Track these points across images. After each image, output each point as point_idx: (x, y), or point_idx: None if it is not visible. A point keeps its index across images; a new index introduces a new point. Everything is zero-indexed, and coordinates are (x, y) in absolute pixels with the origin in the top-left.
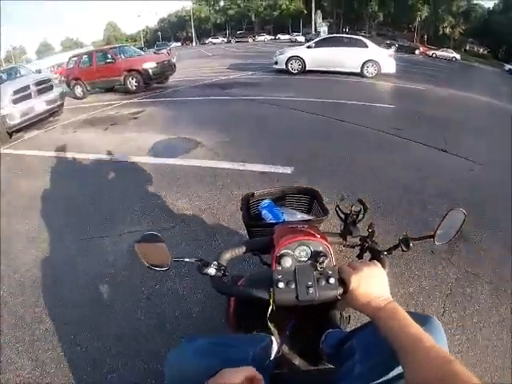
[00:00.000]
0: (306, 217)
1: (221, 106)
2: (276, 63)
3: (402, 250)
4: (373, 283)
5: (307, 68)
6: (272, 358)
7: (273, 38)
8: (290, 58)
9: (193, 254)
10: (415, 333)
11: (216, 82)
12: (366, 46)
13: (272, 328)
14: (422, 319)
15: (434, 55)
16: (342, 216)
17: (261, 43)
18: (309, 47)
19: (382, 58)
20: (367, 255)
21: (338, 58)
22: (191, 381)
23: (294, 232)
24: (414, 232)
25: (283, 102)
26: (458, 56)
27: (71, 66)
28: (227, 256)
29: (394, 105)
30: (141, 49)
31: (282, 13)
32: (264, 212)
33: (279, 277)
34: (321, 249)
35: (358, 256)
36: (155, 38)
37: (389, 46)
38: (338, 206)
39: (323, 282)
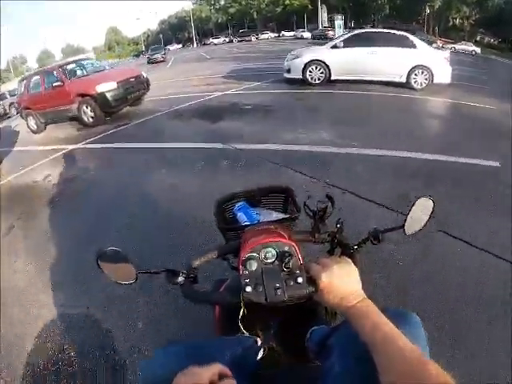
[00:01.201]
0: (281, 216)
1: (201, 187)
2: (289, 71)
3: (372, 243)
4: (343, 280)
5: (333, 77)
6: (258, 358)
7: (277, 35)
8: (308, 64)
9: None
10: (388, 332)
11: (205, 105)
12: (414, 46)
13: (245, 331)
14: (400, 315)
15: (453, 49)
16: (310, 213)
17: (264, 42)
18: (335, 47)
19: (436, 62)
20: (338, 251)
21: (375, 62)
22: None
23: (258, 234)
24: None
25: (322, 165)
26: (477, 49)
27: (22, 90)
28: (196, 263)
29: (497, 160)
30: (141, 53)
31: (286, 8)
32: (239, 214)
33: (246, 281)
34: (286, 249)
35: (328, 252)
36: (157, 41)
37: None
38: (305, 203)
39: (291, 282)
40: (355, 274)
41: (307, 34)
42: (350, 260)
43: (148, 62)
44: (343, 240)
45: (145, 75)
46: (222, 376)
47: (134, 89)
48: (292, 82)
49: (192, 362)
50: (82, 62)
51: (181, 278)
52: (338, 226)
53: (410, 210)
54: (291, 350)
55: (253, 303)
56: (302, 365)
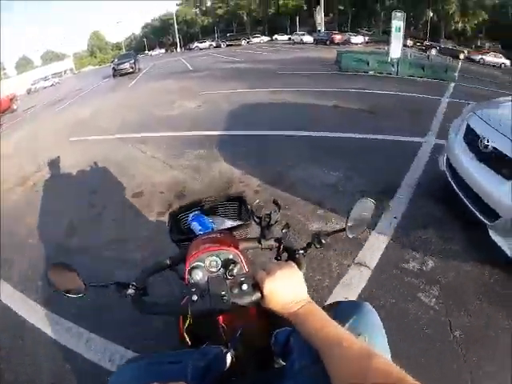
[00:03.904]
0: (234, 223)
1: None
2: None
3: (316, 247)
4: (287, 286)
5: None
6: (226, 367)
7: (269, 39)
8: None
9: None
10: (333, 333)
11: None
12: None
13: (188, 341)
14: (353, 307)
15: (481, 61)
16: (257, 220)
17: (259, 47)
18: None
19: None
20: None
21: None
22: None
23: (203, 243)
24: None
25: None
26: (507, 62)
27: None
28: (145, 275)
29: None
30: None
31: (279, 10)
32: (193, 224)
33: (193, 290)
34: (230, 257)
35: (275, 258)
36: (140, 46)
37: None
38: (252, 210)
39: (236, 290)
40: (299, 279)
41: (308, 38)
42: (294, 265)
43: (113, 75)
44: (289, 245)
45: None
46: None
47: None
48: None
49: (155, 376)
50: None
51: (131, 291)
52: (284, 231)
53: (349, 213)
54: (258, 354)
55: (201, 312)
56: (269, 368)
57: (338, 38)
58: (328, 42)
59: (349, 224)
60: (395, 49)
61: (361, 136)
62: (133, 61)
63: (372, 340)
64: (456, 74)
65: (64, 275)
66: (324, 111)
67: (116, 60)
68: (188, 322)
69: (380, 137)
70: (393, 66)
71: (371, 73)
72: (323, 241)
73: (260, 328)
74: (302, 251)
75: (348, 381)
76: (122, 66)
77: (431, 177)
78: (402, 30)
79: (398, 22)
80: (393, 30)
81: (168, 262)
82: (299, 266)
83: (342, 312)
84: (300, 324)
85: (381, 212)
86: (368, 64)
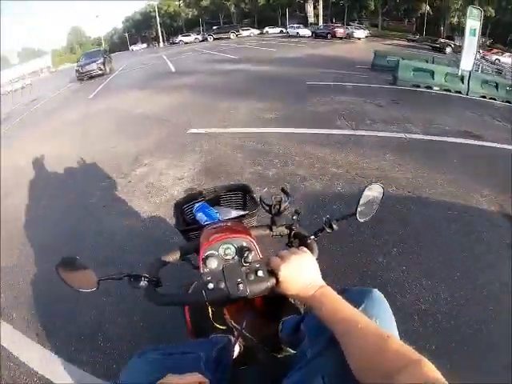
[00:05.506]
0: (240, 212)
1: None
2: None
3: (327, 232)
4: (302, 270)
5: None
6: (234, 355)
7: (260, 32)
8: None
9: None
10: (348, 316)
11: None
12: None
13: (220, 327)
14: (363, 293)
15: (496, 61)
16: (267, 208)
17: (250, 40)
18: None
19: None
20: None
21: None
22: None
23: (216, 232)
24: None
25: None
26: None
27: None
28: (158, 266)
29: None
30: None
31: (270, 1)
32: (198, 215)
33: (208, 278)
34: (244, 244)
35: (287, 244)
36: (123, 41)
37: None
38: (260, 198)
39: (252, 277)
40: (313, 264)
41: (304, 31)
42: (307, 250)
43: (78, 78)
44: (300, 231)
45: None
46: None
47: None
48: None
49: (169, 368)
50: None
51: (143, 283)
52: (294, 217)
53: (359, 198)
54: (266, 343)
55: (219, 300)
56: (277, 356)
57: (340, 31)
58: (329, 36)
59: (359, 209)
60: (468, 58)
61: None
62: (101, 60)
63: (382, 325)
64: None
65: (74, 269)
66: None
67: (82, 60)
68: (211, 310)
69: None
70: (462, 81)
71: (436, 89)
72: (334, 226)
73: (266, 316)
74: (313, 237)
75: (366, 362)
76: (87, 68)
77: None
78: (477, 33)
79: (473, 23)
80: (466, 32)
81: (181, 251)
82: (311, 251)
83: (351, 298)
84: (316, 307)
85: None
86: (433, 77)
